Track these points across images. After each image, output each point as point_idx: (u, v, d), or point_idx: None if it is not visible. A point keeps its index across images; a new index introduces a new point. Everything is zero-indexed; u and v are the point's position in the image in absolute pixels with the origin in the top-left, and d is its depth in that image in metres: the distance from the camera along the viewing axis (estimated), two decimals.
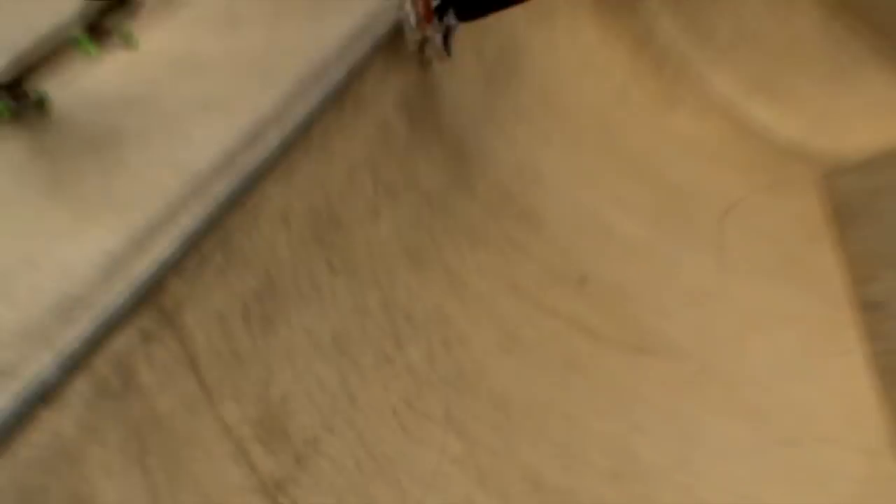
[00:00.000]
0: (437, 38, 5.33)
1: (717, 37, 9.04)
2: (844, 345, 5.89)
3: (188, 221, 3.45)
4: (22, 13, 5.22)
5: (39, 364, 2.70)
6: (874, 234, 7.23)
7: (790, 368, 5.55)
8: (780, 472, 4.75)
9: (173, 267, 3.26)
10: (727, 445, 4.88)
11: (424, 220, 5.09)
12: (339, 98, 4.61)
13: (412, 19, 5.18)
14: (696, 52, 8.84)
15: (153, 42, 4.52)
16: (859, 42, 10.29)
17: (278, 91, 4.48)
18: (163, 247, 3.29)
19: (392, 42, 5.13)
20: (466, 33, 6.39)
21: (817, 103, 9.09)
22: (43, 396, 2.63)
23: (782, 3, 9.95)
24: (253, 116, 4.22)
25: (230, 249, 3.56)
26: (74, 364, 2.76)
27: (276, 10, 5.49)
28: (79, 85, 4.44)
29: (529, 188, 6.09)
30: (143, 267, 3.17)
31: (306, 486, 3.48)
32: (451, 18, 5.33)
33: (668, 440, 4.77)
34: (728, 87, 8.74)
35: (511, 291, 5.26)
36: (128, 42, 4.27)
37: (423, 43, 5.35)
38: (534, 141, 6.55)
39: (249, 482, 3.29)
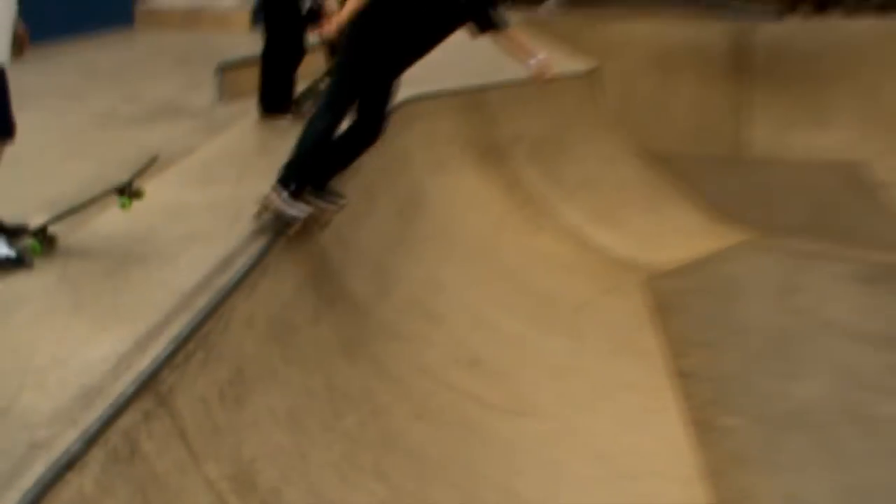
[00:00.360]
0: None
1: (567, 181, 9.06)
2: (666, 403, 5.88)
3: (177, 328, 3.45)
4: (67, 177, 5.22)
5: (67, 439, 2.67)
6: (684, 322, 7.23)
7: (629, 422, 5.51)
8: (623, 499, 4.73)
9: (166, 362, 3.26)
10: (584, 481, 4.84)
11: (355, 322, 5.04)
12: (289, 233, 4.65)
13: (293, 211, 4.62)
14: (552, 192, 8.82)
15: (150, 193, 4.55)
16: (667, 186, 10.51)
17: (243, 229, 4.53)
18: (158, 348, 3.28)
19: None
20: (382, 180, 6.47)
21: (640, 229, 9.12)
22: (70, 464, 2.60)
23: (611, 157, 10.13)
24: (225, 248, 4.25)
25: (209, 348, 3.53)
26: (93, 438, 2.73)
27: (240, 172, 5.55)
28: (94, 226, 4.46)
29: (433, 295, 6.04)
30: (143, 363, 3.16)
31: None
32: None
33: (541, 480, 4.72)
34: (576, 218, 8.72)
35: (421, 373, 5.20)
36: (139, 197, 4.32)
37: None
38: (435, 259, 6.51)
39: None
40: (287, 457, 3.71)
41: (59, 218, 4.14)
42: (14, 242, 3.89)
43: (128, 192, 4.24)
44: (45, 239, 4.01)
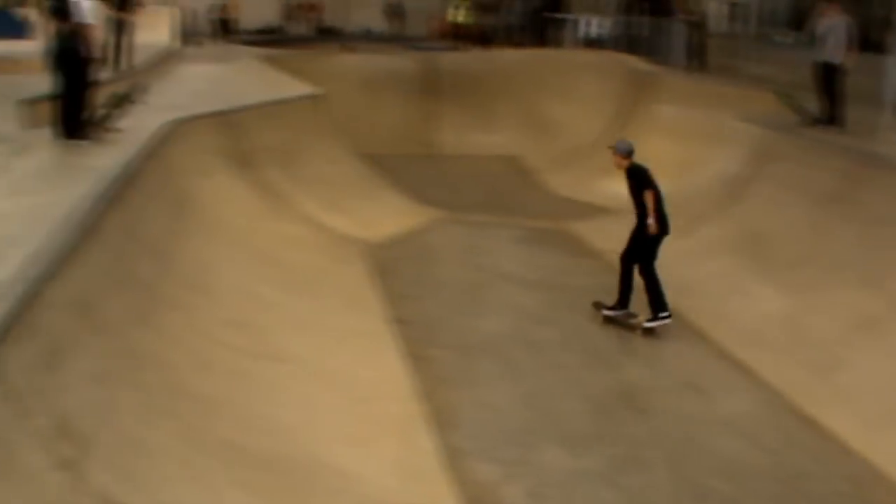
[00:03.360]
0: None
1: (303, 179, 9.23)
2: (387, 343, 6.25)
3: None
4: None
5: None
6: (397, 281, 7.70)
7: (360, 360, 5.83)
8: (359, 418, 5.04)
9: None
10: (330, 407, 5.09)
11: (142, 297, 4.95)
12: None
13: None
14: (292, 189, 8.99)
15: None
16: (379, 178, 11.01)
17: (52, 230, 4.28)
18: None
19: None
20: (159, 185, 6.25)
21: (361, 212, 9.52)
22: None
23: (336, 159, 10.39)
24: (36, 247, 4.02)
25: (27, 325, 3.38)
26: None
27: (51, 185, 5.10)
28: None
29: (203, 274, 6.05)
30: None
31: None
32: None
33: (298, 409, 4.89)
34: (311, 207, 8.93)
35: (198, 334, 5.19)
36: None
37: None
38: (205, 245, 6.54)
39: None
40: (99, 407, 3.64)
41: None
42: None
43: None
44: None
